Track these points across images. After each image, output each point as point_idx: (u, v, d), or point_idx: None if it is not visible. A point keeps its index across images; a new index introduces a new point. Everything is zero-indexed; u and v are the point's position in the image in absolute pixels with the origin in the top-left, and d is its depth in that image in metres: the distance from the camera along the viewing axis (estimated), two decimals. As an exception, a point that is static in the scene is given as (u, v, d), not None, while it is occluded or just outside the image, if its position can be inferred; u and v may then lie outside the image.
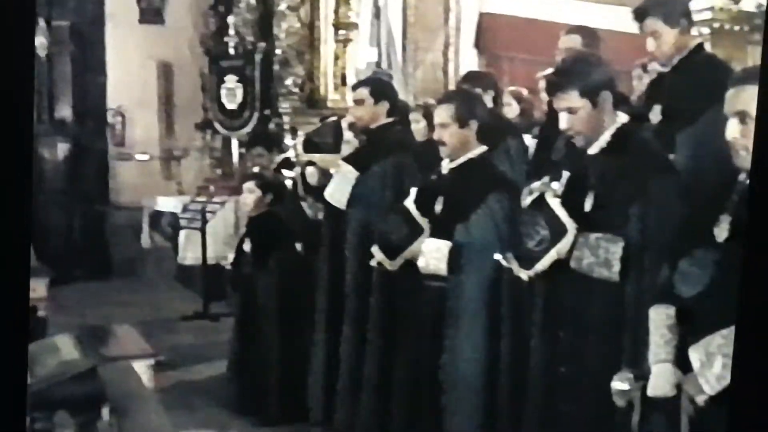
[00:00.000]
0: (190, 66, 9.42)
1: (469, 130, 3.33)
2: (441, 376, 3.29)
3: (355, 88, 4.34)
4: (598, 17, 7.03)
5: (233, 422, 4.52)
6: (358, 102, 4.15)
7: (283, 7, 8.55)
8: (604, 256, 2.59)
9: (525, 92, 5.86)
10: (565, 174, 2.75)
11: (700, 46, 3.47)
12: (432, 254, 3.31)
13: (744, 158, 2.17)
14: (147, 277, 8.81)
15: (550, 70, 4.69)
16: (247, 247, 4.78)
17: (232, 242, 6.92)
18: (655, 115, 3.51)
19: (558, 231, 2.66)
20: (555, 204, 2.69)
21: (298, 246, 4.50)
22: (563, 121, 2.74)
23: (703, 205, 2.41)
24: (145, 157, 9.66)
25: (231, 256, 5.00)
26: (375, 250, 3.61)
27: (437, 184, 3.44)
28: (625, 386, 2.27)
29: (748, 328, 1.13)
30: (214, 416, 4.59)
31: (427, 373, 3.38)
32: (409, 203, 3.49)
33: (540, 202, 2.75)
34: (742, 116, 2.16)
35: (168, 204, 8.54)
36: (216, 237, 7.41)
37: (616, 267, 2.57)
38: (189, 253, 7.69)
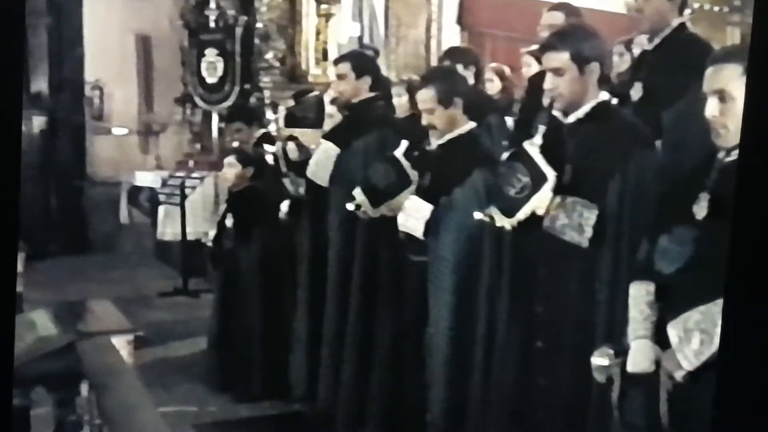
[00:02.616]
0: (170, 39, 9.29)
1: (455, 108, 3.33)
2: (423, 352, 3.31)
3: (336, 62, 4.30)
4: (580, -5, 7.02)
5: (213, 398, 4.52)
6: (340, 76, 4.12)
7: (265, -20, 8.47)
8: (578, 221, 2.62)
9: (507, 70, 5.85)
10: (541, 128, 2.77)
11: (683, 25, 3.49)
12: (412, 213, 3.31)
13: (723, 136, 2.18)
14: (125, 253, 8.76)
15: (534, 47, 4.73)
16: (228, 222, 4.75)
17: (211, 218, 6.89)
18: (636, 91, 3.53)
19: (538, 178, 2.67)
20: (534, 152, 2.70)
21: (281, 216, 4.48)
22: (548, 82, 2.78)
23: (682, 182, 2.42)
24: (124, 131, 9.56)
25: (212, 232, 4.96)
26: (357, 191, 3.57)
27: (425, 158, 3.43)
28: (605, 362, 2.29)
29: (735, 303, 1.13)
30: (194, 393, 4.59)
31: (410, 348, 3.38)
32: (399, 154, 3.48)
33: (518, 154, 2.76)
34: (721, 95, 2.17)
35: (147, 179, 8.47)
36: (195, 212, 7.36)
37: (588, 233, 2.59)
38: (168, 229, 7.63)
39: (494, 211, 2.79)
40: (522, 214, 2.69)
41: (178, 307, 6.52)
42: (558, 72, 2.74)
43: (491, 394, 3.01)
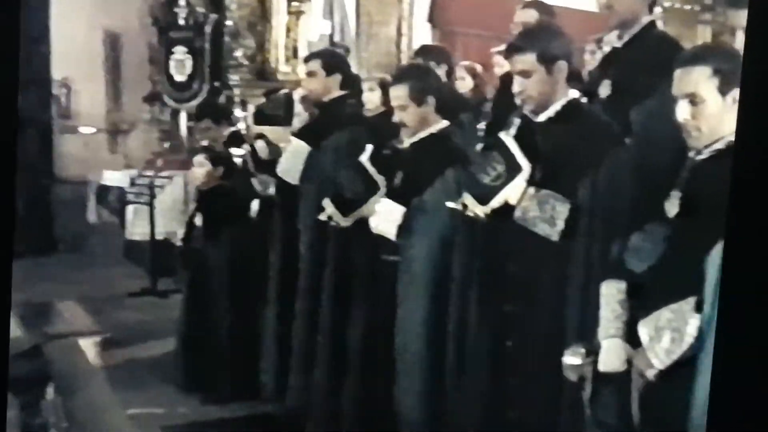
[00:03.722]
0: (139, 37, 9.18)
1: (427, 106, 3.31)
2: (395, 352, 3.29)
3: (307, 60, 4.27)
4: (550, -7, 7.04)
5: (182, 400, 4.44)
6: (311, 74, 4.09)
7: (235, -22, 8.41)
8: (550, 213, 2.63)
9: (479, 68, 5.85)
10: (517, 120, 2.77)
11: (653, 23, 3.51)
12: (384, 215, 3.29)
13: (696, 138, 2.19)
14: (93, 253, 8.63)
15: (503, 46, 4.72)
16: (198, 221, 4.70)
17: (181, 217, 6.82)
18: (605, 89, 3.54)
19: (513, 168, 2.68)
20: (510, 142, 2.70)
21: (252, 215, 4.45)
22: (516, 84, 2.80)
23: (653, 180, 2.43)
24: (91, 129, 9.44)
25: (181, 232, 4.91)
26: (326, 202, 3.55)
27: (396, 158, 3.41)
28: (577, 361, 2.29)
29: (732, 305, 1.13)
30: (162, 394, 4.52)
31: (382, 348, 3.36)
32: (364, 159, 3.46)
33: (494, 144, 2.75)
34: (692, 98, 2.18)
35: (115, 178, 8.35)
36: (165, 212, 7.28)
37: (559, 226, 2.61)
38: (137, 228, 7.54)
39: (468, 198, 2.78)
40: (496, 202, 2.69)
41: (146, 308, 6.43)
42: (525, 74, 2.76)
43: (463, 393, 3.00)
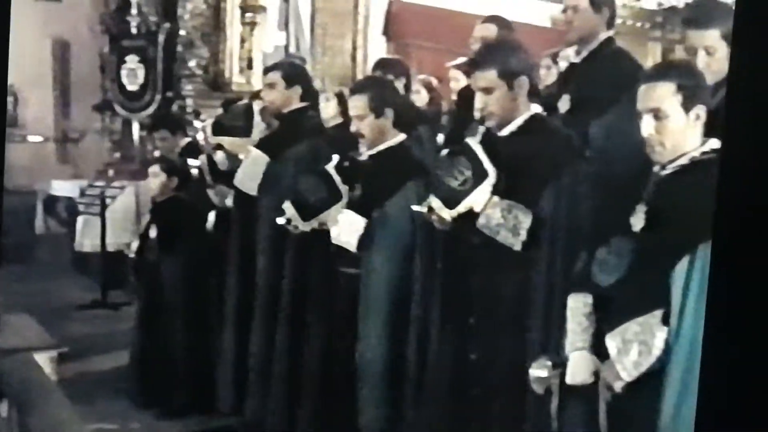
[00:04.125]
0: (89, 45, 9.02)
1: (385, 119, 3.31)
2: (354, 365, 3.26)
3: (267, 71, 4.24)
4: (506, 8, 7.13)
5: (136, 415, 4.37)
6: (270, 86, 4.06)
7: (189, -13, 8.34)
8: (512, 222, 2.65)
9: (435, 81, 5.88)
10: (481, 128, 2.79)
11: (611, 39, 3.56)
12: (346, 226, 3.28)
13: (659, 153, 2.23)
14: (40, 264, 8.44)
15: (460, 60, 4.75)
16: (152, 233, 4.62)
17: (132, 228, 6.71)
18: (564, 103, 3.58)
19: (480, 174, 2.69)
20: (478, 148, 2.71)
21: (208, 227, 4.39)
22: (478, 101, 2.81)
23: (617, 194, 2.45)
24: (39, 138, 9.23)
25: (134, 244, 4.82)
26: (287, 205, 3.52)
27: (356, 170, 3.40)
28: (544, 373, 2.29)
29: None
30: (115, 409, 4.42)
31: (342, 362, 3.34)
32: (331, 168, 3.44)
33: (461, 149, 2.76)
34: (656, 113, 2.21)
35: (64, 188, 8.19)
36: (116, 223, 7.15)
37: (522, 236, 2.64)
38: (87, 240, 7.40)
39: (434, 201, 2.78)
40: (462, 206, 2.69)
41: (97, 320, 6.31)
42: (487, 90, 2.77)
43: (425, 408, 2.99)
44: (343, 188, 3.38)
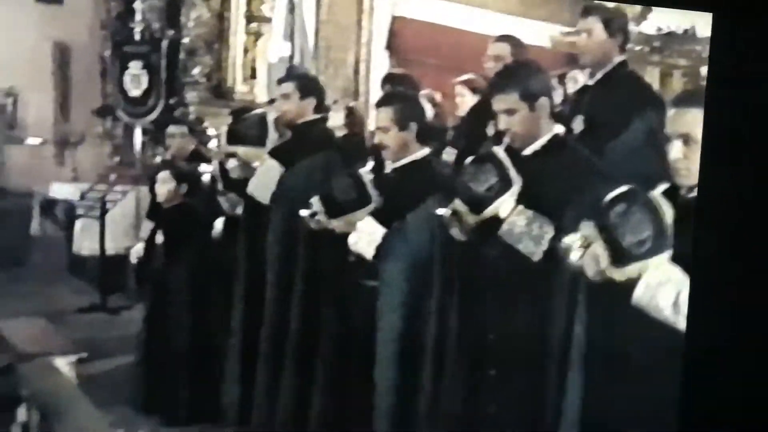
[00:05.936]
0: (90, 49, 9.03)
1: (409, 132, 3.36)
2: (368, 376, 3.29)
3: (281, 81, 4.28)
4: (506, 28, 7.20)
5: (140, 421, 4.36)
6: (285, 96, 4.10)
7: (193, -5, 8.38)
8: (536, 231, 2.70)
9: (439, 96, 5.93)
10: (506, 140, 2.82)
11: (624, 62, 3.63)
12: (365, 234, 3.31)
13: (685, 177, 2.28)
14: (36, 268, 8.40)
15: (466, 76, 4.81)
16: (158, 239, 4.63)
17: (132, 233, 6.71)
18: (578, 124, 3.65)
19: (506, 181, 2.74)
20: (503, 156, 2.76)
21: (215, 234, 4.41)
22: (502, 123, 2.85)
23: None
24: (38, 140, 9.20)
25: (135, 248, 4.84)
26: (314, 200, 3.53)
27: (379, 181, 3.44)
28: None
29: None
30: (119, 415, 4.41)
31: (354, 372, 3.36)
32: (366, 171, 3.49)
33: (487, 156, 2.82)
34: (686, 138, 2.27)
35: (63, 191, 8.16)
36: (116, 227, 7.14)
37: (544, 246, 2.67)
38: (85, 243, 7.37)
39: (460, 205, 2.82)
40: (488, 211, 2.73)
41: (97, 325, 6.29)
42: (510, 112, 2.82)
43: (439, 422, 3.02)
44: (374, 193, 3.42)
